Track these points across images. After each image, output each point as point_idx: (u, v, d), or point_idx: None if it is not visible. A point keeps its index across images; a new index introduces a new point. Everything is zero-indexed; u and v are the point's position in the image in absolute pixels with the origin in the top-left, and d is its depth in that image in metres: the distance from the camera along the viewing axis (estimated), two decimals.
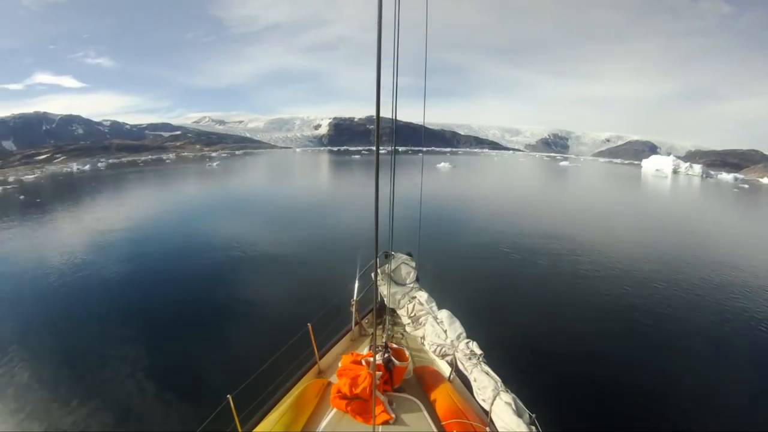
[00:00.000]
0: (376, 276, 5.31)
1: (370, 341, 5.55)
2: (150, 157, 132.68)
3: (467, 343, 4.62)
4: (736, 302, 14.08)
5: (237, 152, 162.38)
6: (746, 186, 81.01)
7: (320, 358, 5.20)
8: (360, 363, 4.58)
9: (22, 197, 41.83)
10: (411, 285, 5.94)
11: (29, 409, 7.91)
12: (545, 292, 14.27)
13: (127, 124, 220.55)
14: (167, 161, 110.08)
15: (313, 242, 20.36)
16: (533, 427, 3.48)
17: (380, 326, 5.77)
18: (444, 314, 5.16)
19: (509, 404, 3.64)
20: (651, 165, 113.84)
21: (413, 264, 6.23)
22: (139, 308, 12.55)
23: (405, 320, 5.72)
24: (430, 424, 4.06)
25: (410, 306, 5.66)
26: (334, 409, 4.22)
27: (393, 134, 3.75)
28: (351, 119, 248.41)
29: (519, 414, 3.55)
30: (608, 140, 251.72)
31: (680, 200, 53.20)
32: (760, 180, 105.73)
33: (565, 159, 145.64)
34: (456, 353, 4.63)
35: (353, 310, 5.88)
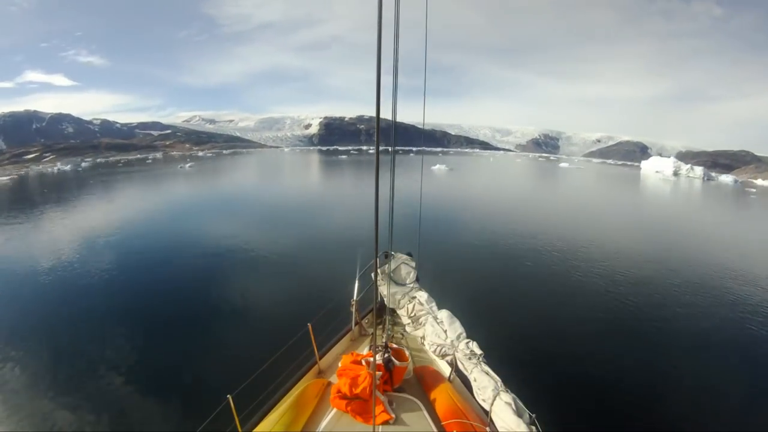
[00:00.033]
0: (376, 276, 5.30)
1: (370, 341, 5.55)
2: (139, 155, 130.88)
3: (467, 343, 4.62)
4: (738, 304, 14.09)
5: (225, 151, 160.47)
6: (753, 189, 78.88)
7: (320, 358, 5.20)
8: (360, 363, 4.58)
9: None
10: (411, 285, 5.94)
11: (29, 409, 7.91)
12: (545, 293, 14.27)
13: (117, 123, 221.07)
14: (149, 161, 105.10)
15: (313, 243, 20.37)
16: (533, 427, 3.48)
17: (380, 326, 5.76)
18: (444, 314, 5.16)
19: (509, 404, 3.64)
20: (651, 166, 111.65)
21: (413, 264, 6.23)
22: (138, 309, 12.55)
23: (405, 320, 5.71)
24: (430, 424, 4.05)
25: (410, 306, 5.66)
26: (334, 409, 4.22)
27: (393, 135, 3.74)
28: (341, 119, 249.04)
29: (519, 414, 3.55)
30: (599, 141, 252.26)
31: (694, 204, 51.61)
32: (754, 181, 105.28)
33: (564, 160, 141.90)
34: (456, 353, 4.63)
35: (353, 310, 5.88)
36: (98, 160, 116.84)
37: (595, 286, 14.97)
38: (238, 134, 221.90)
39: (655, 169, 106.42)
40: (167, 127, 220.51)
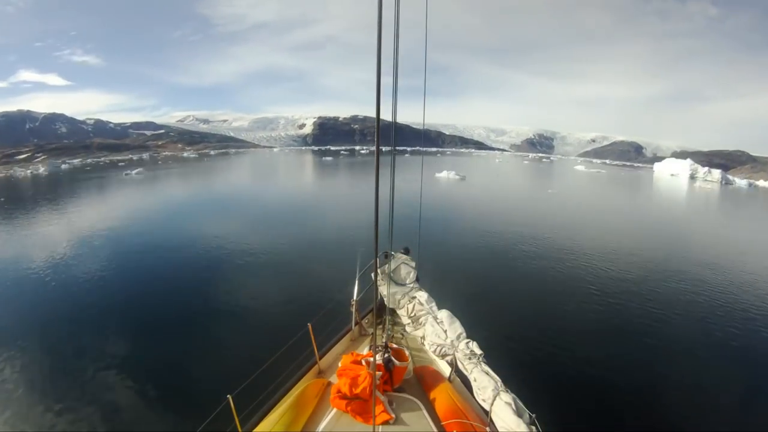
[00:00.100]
0: (376, 276, 5.30)
1: (370, 341, 5.56)
2: (132, 156, 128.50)
3: (467, 343, 4.62)
4: (740, 307, 14.10)
5: (212, 152, 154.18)
6: None
7: (320, 358, 5.20)
8: (360, 363, 4.58)
9: None
10: (411, 285, 5.94)
11: (28, 410, 7.91)
12: (546, 293, 14.28)
13: (110, 122, 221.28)
14: (121, 165, 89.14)
15: (313, 243, 20.38)
16: (533, 427, 3.48)
17: (380, 326, 5.76)
18: (444, 314, 5.16)
19: (509, 404, 3.64)
20: (665, 169, 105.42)
21: (413, 264, 6.23)
22: (138, 309, 12.54)
23: (405, 320, 5.72)
24: (430, 424, 4.05)
25: (410, 306, 5.66)
26: (334, 409, 4.22)
27: (393, 136, 3.74)
28: (336, 119, 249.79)
29: (519, 414, 3.55)
30: (594, 140, 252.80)
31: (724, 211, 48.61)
32: (757, 183, 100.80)
33: (580, 163, 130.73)
34: (456, 353, 4.63)
35: (353, 310, 5.88)
36: (88, 160, 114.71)
37: (596, 287, 14.97)
38: (231, 134, 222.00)
39: (671, 172, 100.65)
40: (161, 127, 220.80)
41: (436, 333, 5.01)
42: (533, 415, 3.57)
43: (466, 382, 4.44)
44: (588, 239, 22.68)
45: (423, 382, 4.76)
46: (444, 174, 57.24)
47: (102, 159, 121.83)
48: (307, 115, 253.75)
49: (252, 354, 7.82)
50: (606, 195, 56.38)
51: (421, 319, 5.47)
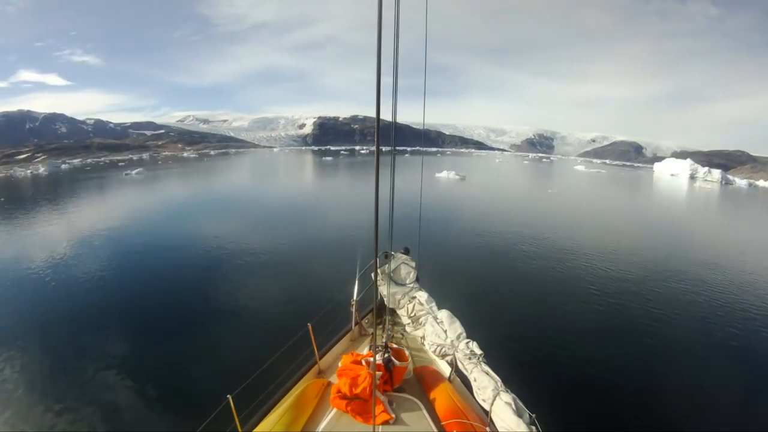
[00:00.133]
0: (376, 276, 5.30)
1: (370, 341, 5.56)
2: (131, 156, 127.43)
3: (467, 343, 4.62)
4: (739, 307, 14.10)
5: (211, 152, 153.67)
6: None
7: (320, 358, 5.20)
8: (360, 363, 4.58)
9: None
10: (411, 285, 5.94)
11: (28, 410, 7.91)
12: (546, 293, 14.28)
13: (111, 122, 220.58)
14: (124, 164, 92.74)
15: (313, 243, 20.38)
16: (533, 427, 3.48)
17: (380, 326, 5.76)
18: (444, 314, 5.16)
19: (509, 404, 3.64)
20: (665, 169, 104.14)
21: (413, 264, 6.23)
22: (138, 309, 12.55)
23: (405, 320, 5.72)
24: (430, 424, 4.05)
25: (410, 306, 5.66)
26: (334, 409, 4.22)
27: (393, 136, 3.74)
28: (336, 119, 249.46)
29: (519, 414, 3.55)
30: (594, 140, 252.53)
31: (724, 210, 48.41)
32: (757, 183, 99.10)
33: (580, 163, 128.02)
34: (456, 353, 4.63)
35: (353, 310, 5.88)
36: (88, 160, 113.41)
37: (596, 287, 14.97)
38: (231, 134, 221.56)
39: (671, 172, 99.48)
40: (161, 127, 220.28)
41: (436, 333, 5.01)
42: (533, 415, 3.56)
43: (466, 382, 4.44)
44: (587, 239, 22.69)
45: (423, 382, 4.76)
46: (444, 174, 56.24)
47: (102, 159, 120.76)
48: (307, 115, 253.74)
49: (252, 354, 7.83)
50: (606, 195, 56.03)
51: (421, 319, 5.47)
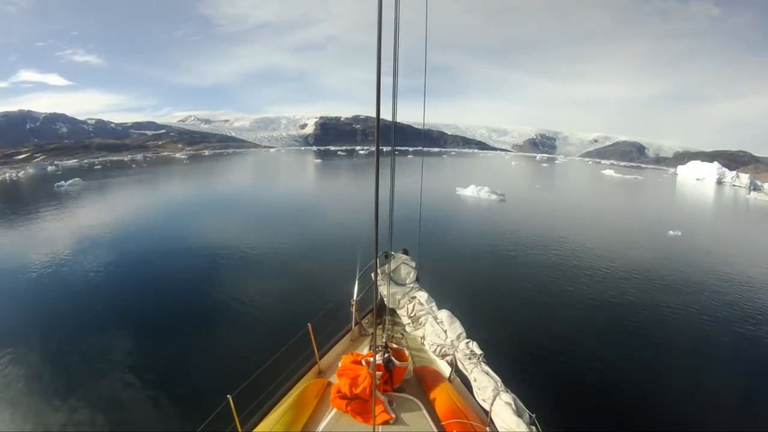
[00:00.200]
0: (376, 276, 5.31)
1: (370, 341, 5.56)
2: (130, 156, 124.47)
3: (467, 343, 4.62)
4: (740, 309, 14.09)
5: (205, 152, 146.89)
6: None
7: (320, 358, 5.20)
8: (360, 363, 4.58)
9: None
10: (411, 285, 5.94)
11: (28, 410, 7.91)
12: (546, 293, 14.27)
13: (111, 122, 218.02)
14: (102, 166, 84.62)
15: (313, 243, 20.39)
16: (533, 427, 3.48)
17: (380, 326, 5.77)
18: (444, 314, 5.16)
19: (509, 404, 3.64)
20: (690, 173, 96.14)
21: (413, 264, 6.23)
22: (138, 309, 12.55)
23: (405, 320, 5.72)
24: (430, 424, 4.05)
25: (410, 306, 5.66)
26: (334, 409, 4.22)
27: (393, 136, 3.75)
28: (337, 119, 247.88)
29: (519, 414, 3.55)
30: (596, 141, 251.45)
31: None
32: None
33: (608, 167, 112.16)
34: (456, 353, 4.63)
35: (353, 310, 5.88)
36: (85, 161, 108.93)
37: (597, 288, 14.97)
38: (233, 134, 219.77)
39: (696, 176, 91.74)
40: (162, 127, 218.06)
41: (436, 333, 5.01)
42: (533, 415, 3.56)
43: (466, 382, 4.44)
44: (588, 239, 22.65)
45: (423, 382, 4.76)
46: (473, 191, 37.89)
47: (97, 160, 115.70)
48: (308, 115, 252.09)
49: (252, 354, 7.83)
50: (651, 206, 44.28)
51: (421, 319, 5.48)
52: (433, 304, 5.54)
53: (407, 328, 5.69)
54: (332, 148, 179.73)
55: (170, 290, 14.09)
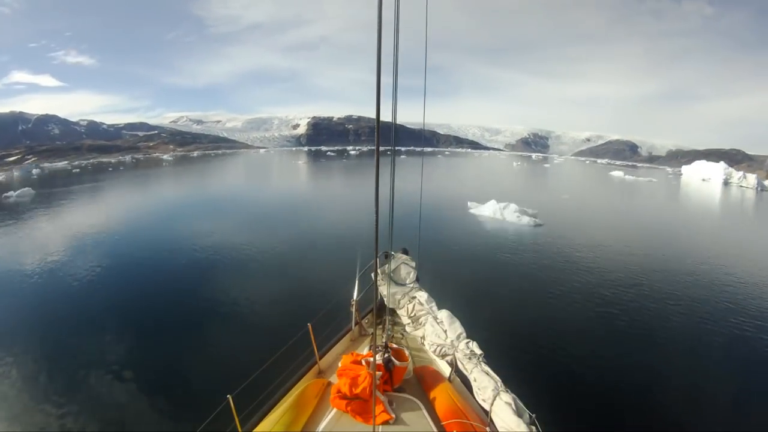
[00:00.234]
0: (376, 276, 5.30)
1: (370, 341, 5.56)
2: (119, 158, 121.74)
3: (467, 343, 4.62)
4: (741, 309, 14.11)
5: (194, 154, 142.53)
6: None
7: (320, 358, 5.20)
8: (360, 363, 4.58)
9: None
10: (411, 285, 5.94)
11: (28, 411, 7.91)
12: (546, 293, 14.28)
13: (104, 124, 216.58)
14: (103, 170, 78.94)
15: (313, 243, 20.38)
16: (533, 427, 3.48)
17: (380, 326, 5.77)
18: (444, 314, 5.16)
19: (509, 404, 3.63)
20: (694, 173, 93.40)
21: (413, 264, 6.23)
22: (138, 309, 12.56)
23: (405, 320, 5.72)
24: (430, 424, 4.05)
25: (410, 306, 5.66)
26: (334, 409, 4.22)
27: (393, 136, 3.75)
28: (330, 119, 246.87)
29: (519, 414, 3.55)
30: (588, 140, 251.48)
31: None
32: None
33: (618, 168, 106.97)
34: (456, 353, 4.63)
35: (353, 310, 5.88)
36: (75, 162, 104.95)
37: (597, 288, 14.98)
38: (225, 135, 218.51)
39: (702, 177, 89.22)
40: (154, 128, 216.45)
41: (436, 333, 5.01)
42: (533, 415, 3.56)
43: (466, 382, 4.44)
44: (591, 240, 22.66)
45: (423, 382, 4.76)
46: (493, 209, 27.51)
47: (85, 162, 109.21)
48: (301, 116, 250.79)
49: (252, 354, 7.82)
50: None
51: (421, 319, 5.47)
52: (433, 304, 5.54)
53: (407, 328, 5.69)
54: (323, 148, 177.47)
55: (171, 291, 14.09)
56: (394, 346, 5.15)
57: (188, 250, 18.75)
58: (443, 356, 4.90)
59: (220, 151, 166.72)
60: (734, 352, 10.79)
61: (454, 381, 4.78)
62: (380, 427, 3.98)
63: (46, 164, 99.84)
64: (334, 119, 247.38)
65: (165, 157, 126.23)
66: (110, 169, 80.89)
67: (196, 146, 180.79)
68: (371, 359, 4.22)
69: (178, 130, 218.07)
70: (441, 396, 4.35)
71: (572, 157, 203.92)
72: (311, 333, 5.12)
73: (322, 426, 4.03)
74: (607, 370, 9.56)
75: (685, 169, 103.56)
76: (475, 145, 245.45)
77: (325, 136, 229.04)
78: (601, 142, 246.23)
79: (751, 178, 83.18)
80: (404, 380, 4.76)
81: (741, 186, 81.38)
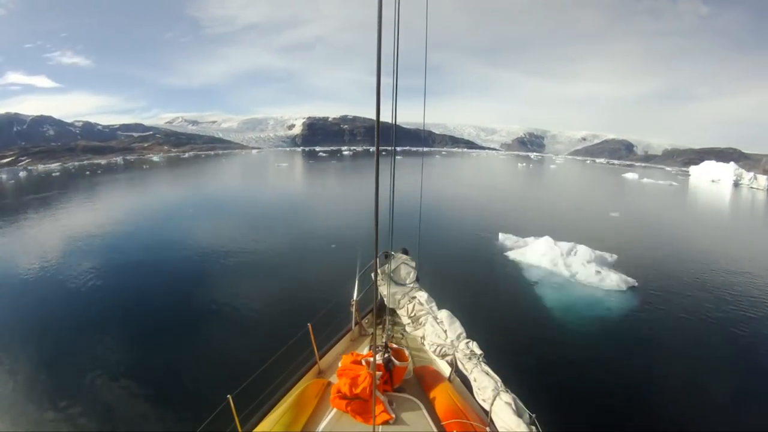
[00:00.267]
0: (376, 276, 5.30)
1: (370, 341, 5.55)
2: (113, 159, 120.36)
3: (467, 343, 4.61)
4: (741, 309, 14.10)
5: (185, 155, 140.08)
6: None
7: (320, 358, 5.20)
8: (360, 363, 4.58)
9: None
10: (411, 285, 5.93)
11: (29, 412, 7.91)
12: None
13: (99, 125, 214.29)
14: (98, 172, 75.03)
15: (313, 243, 20.38)
16: (533, 427, 3.48)
17: (380, 326, 5.76)
18: (444, 314, 5.15)
19: (509, 404, 3.63)
20: (703, 174, 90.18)
21: (413, 264, 6.22)
22: (138, 310, 12.57)
23: (405, 320, 5.71)
24: (430, 424, 4.05)
25: (410, 306, 5.65)
26: (334, 409, 4.21)
27: (393, 136, 3.75)
28: (325, 119, 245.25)
29: (519, 414, 3.54)
30: (584, 139, 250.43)
31: None
32: None
33: (630, 170, 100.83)
34: (456, 353, 4.62)
35: (353, 310, 5.88)
36: (68, 164, 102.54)
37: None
38: (220, 135, 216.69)
39: (711, 178, 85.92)
40: (149, 128, 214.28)
41: (436, 333, 5.00)
42: (533, 415, 3.56)
43: (466, 382, 4.43)
44: (592, 240, 22.63)
45: (423, 382, 4.76)
46: (550, 255, 16.89)
47: (80, 163, 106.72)
48: (296, 116, 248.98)
49: (252, 354, 7.82)
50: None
51: (421, 319, 5.47)
52: (433, 304, 5.53)
53: (407, 328, 5.68)
54: (317, 148, 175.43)
55: (171, 291, 14.11)
56: (394, 346, 5.14)
57: (188, 250, 18.76)
58: (443, 356, 4.89)
59: (212, 152, 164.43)
60: (734, 352, 10.79)
61: (454, 381, 4.78)
62: (380, 427, 3.98)
63: (40, 166, 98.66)
64: (330, 119, 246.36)
65: (155, 158, 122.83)
66: (99, 171, 77.51)
67: (191, 147, 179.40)
68: (371, 359, 4.22)
69: (173, 130, 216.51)
70: (441, 396, 4.34)
71: (569, 157, 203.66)
72: (311, 333, 5.12)
73: (322, 426, 4.03)
74: (607, 370, 9.56)
75: (693, 169, 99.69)
76: (470, 145, 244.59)
77: (320, 137, 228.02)
78: (596, 141, 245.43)
79: (762, 180, 79.75)
80: (404, 380, 4.75)
81: (752, 188, 77.28)
